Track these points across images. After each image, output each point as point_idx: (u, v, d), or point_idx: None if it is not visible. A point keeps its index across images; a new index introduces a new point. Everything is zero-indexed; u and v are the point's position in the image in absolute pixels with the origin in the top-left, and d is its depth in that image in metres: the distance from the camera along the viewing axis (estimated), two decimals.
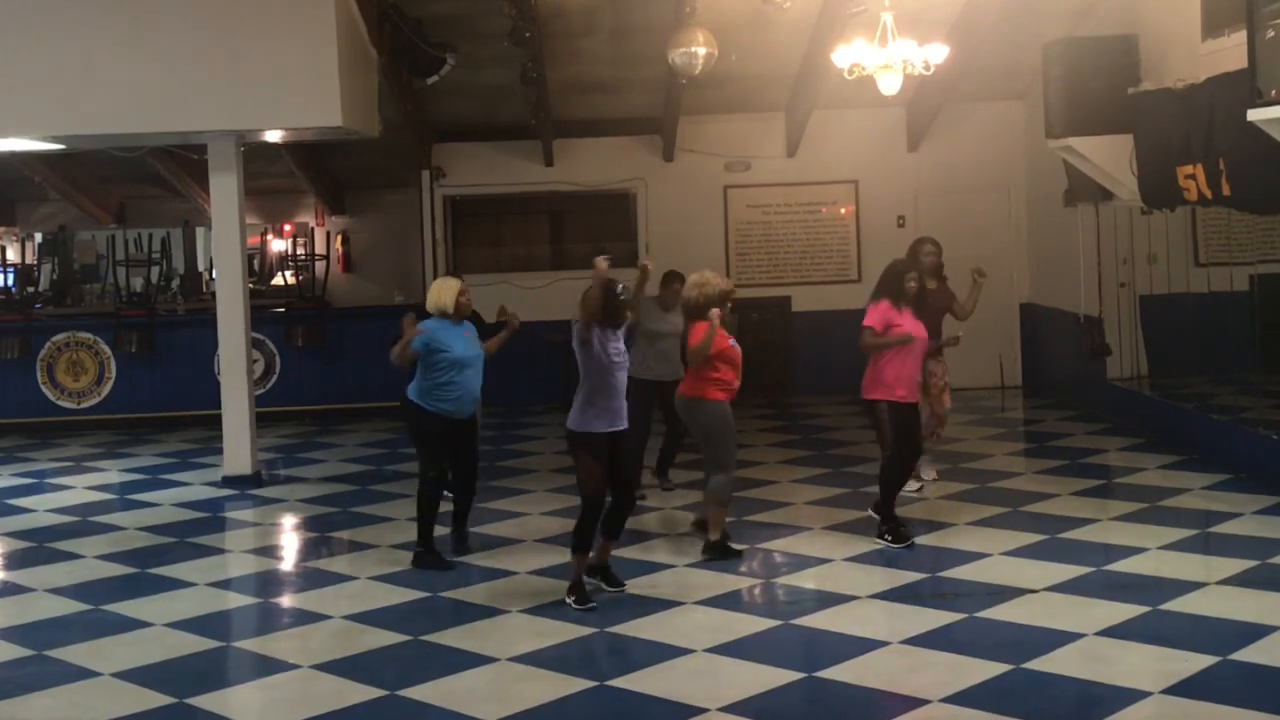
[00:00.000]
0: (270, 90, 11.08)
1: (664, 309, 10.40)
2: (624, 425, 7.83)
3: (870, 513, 9.19)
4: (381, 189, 17.23)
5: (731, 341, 8.66)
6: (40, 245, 18.26)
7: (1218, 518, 9.24)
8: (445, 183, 15.92)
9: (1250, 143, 8.36)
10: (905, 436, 8.95)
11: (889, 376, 8.93)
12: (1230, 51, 9.26)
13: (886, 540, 8.79)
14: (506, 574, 8.46)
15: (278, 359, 15.35)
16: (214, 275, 13.82)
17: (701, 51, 11.78)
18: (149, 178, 16.84)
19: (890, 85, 10.70)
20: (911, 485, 10.02)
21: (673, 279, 10.35)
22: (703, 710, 6.02)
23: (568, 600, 7.65)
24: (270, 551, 9.79)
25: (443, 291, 8.75)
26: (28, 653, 7.25)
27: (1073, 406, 14.04)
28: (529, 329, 14.83)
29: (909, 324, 8.97)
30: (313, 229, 17.75)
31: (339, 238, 17.79)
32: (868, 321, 9.03)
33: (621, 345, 7.89)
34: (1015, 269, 15.63)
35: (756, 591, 8.05)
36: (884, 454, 9.23)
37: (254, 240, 17.43)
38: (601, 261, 7.72)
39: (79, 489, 11.88)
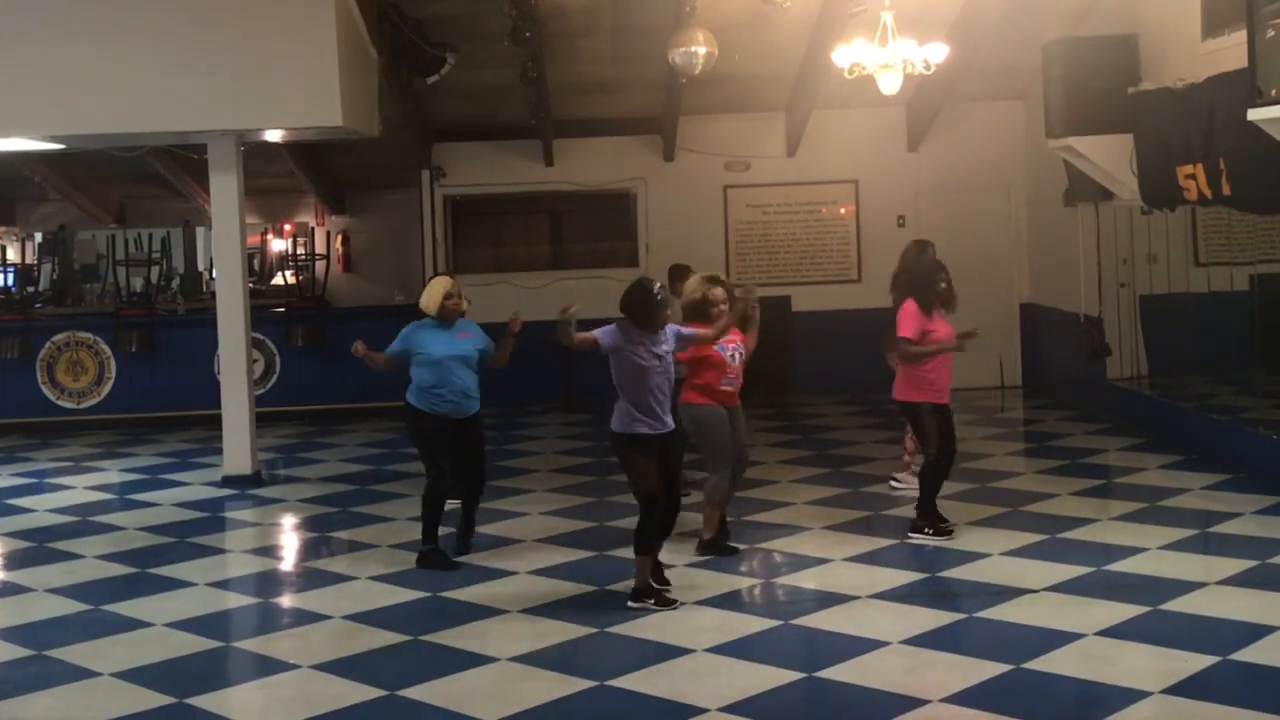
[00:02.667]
0: (270, 90, 11.08)
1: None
2: (668, 428, 7.66)
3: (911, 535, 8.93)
4: (381, 189, 17.23)
5: (723, 349, 8.53)
6: (40, 245, 18.27)
7: (1218, 518, 9.24)
8: (445, 183, 15.92)
9: (1250, 143, 8.36)
10: (948, 436, 8.95)
11: (930, 378, 8.87)
12: (1230, 51, 9.26)
13: (927, 534, 8.81)
14: (506, 574, 8.46)
15: (278, 359, 15.35)
16: (214, 275, 13.84)
17: (701, 51, 11.78)
18: (149, 178, 16.84)
19: (890, 85, 10.71)
20: (905, 483, 10.09)
21: (687, 272, 10.14)
22: (703, 710, 6.02)
23: (634, 604, 7.52)
24: (270, 551, 9.79)
25: (430, 293, 8.81)
26: (28, 653, 7.25)
27: (1073, 406, 14.04)
28: (529, 329, 14.91)
29: (943, 329, 8.89)
30: (313, 229, 17.76)
31: (339, 238, 17.79)
32: (904, 332, 8.86)
33: (664, 348, 7.65)
34: (1015, 269, 15.64)
35: (756, 591, 8.05)
36: (927, 454, 8.98)
37: (254, 240, 17.43)
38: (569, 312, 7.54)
39: (79, 489, 11.88)
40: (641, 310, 7.60)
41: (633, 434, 7.58)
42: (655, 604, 7.55)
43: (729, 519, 9.07)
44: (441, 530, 8.88)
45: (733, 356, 8.61)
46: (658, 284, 7.72)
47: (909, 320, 8.86)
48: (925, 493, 8.99)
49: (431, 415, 8.69)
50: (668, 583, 7.85)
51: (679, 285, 9.98)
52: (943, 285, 8.90)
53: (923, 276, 9.10)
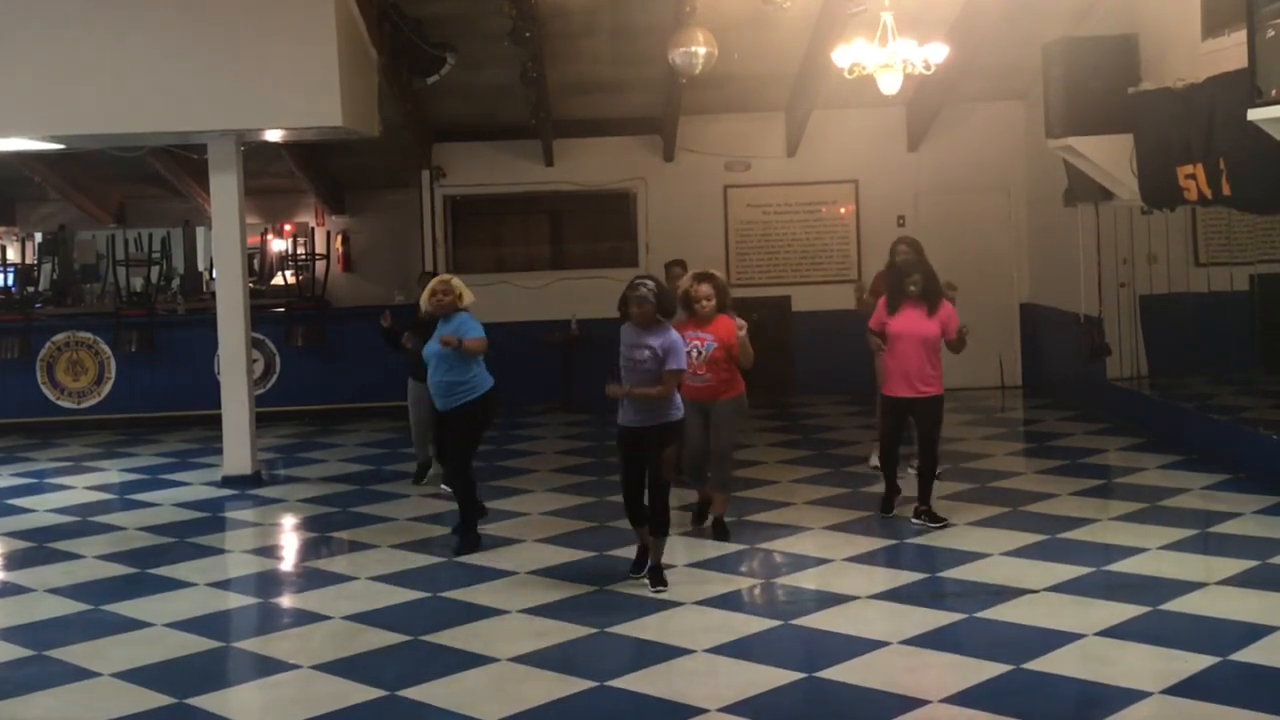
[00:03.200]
0: (270, 90, 11.08)
1: None
2: (645, 423, 7.89)
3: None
4: (381, 189, 17.23)
5: (692, 346, 8.69)
6: (40, 245, 18.27)
7: (1218, 518, 9.24)
8: (445, 183, 15.92)
9: (1250, 143, 8.36)
10: (925, 436, 9.38)
11: (884, 372, 9.43)
12: (1230, 51, 9.26)
13: (922, 520, 9.30)
14: (506, 574, 8.46)
15: (278, 359, 15.35)
16: (214, 275, 13.83)
17: (701, 51, 11.78)
18: (149, 178, 16.84)
19: (890, 85, 10.71)
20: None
21: (675, 266, 10.79)
22: (703, 710, 6.02)
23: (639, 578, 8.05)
24: (270, 551, 9.79)
25: (424, 292, 9.32)
26: (28, 653, 7.25)
27: (1073, 406, 14.04)
28: (529, 329, 14.94)
29: (899, 324, 9.21)
30: (313, 229, 17.76)
31: (339, 238, 17.80)
32: (870, 322, 9.53)
33: (641, 355, 7.85)
34: (1015, 269, 15.63)
35: (756, 591, 8.05)
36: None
37: (254, 240, 17.43)
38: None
39: (79, 489, 11.88)
40: (621, 303, 8.17)
41: (619, 425, 8.05)
42: (631, 571, 8.09)
43: (729, 518, 9.23)
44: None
45: (689, 353, 8.66)
46: (644, 279, 8.11)
47: (875, 313, 9.47)
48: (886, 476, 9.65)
49: (433, 407, 9.29)
50: (662, 585, 7.92)
51: (674, 282, 10.10)
52: (911, 288, 9.21)
53: (892, 276, 9.57)
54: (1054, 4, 12.54)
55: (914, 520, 9.27)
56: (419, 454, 11.47)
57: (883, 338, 9.33)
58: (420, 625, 7.45)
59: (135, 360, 15.22)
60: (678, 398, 8.04)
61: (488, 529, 9.49)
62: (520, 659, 6.83)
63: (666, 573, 8.01)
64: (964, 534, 9.00)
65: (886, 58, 10.33)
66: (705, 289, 8.87)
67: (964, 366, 13.26)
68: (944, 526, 9.12)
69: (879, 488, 10.51)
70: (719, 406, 8.96)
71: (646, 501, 8.00)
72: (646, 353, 7.85)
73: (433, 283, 9.22)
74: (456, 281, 9.19)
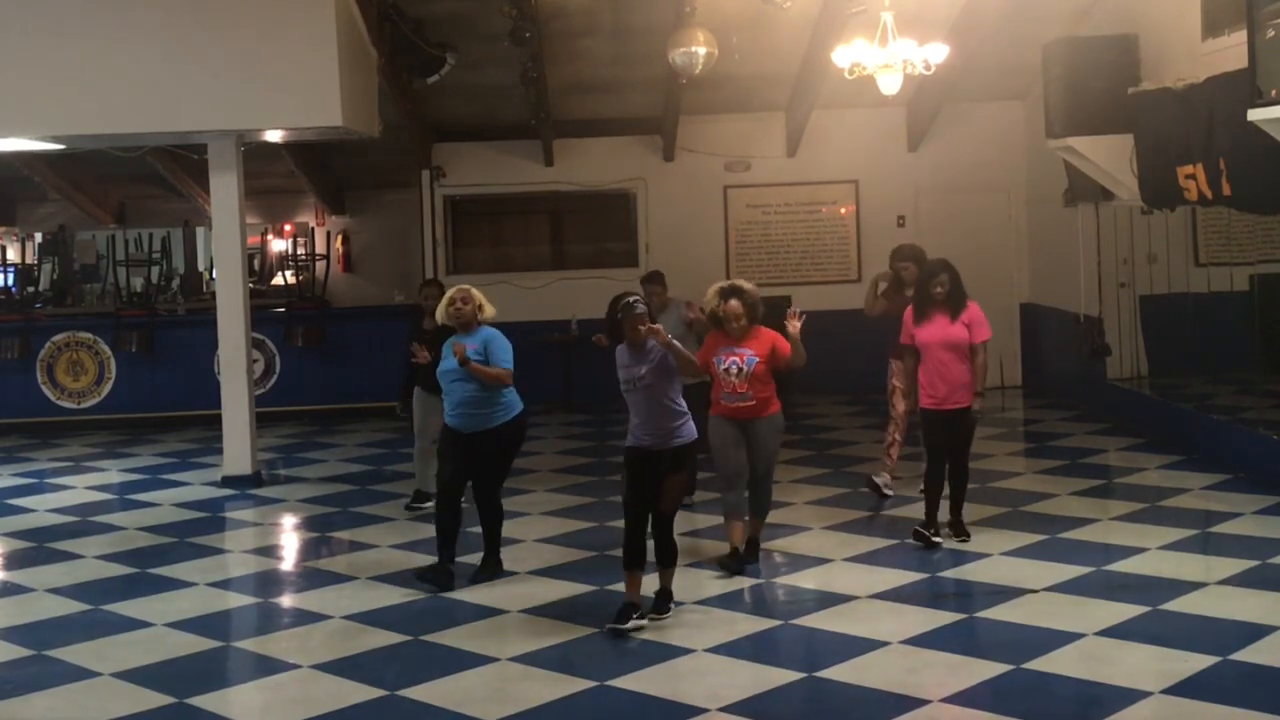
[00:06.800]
0: (270, 90, 11.09)
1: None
2: (659, 447, 7.31)
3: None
4: (381, 189, 17.26)
5: (719, 361, 8.18)
6: (40, 245, 18.29)
7: (1218, 518, 9.24)
8: (445, 183, 15.93)
9: (1250, 143, 8.36)
10: (955, 447, 8.80)
11: (921, 382, 8.88)
12: (1230, 51, 9.27)
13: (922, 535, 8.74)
14: (506, 574, 8.45)
15: (278, 359, 15.35)
16: (214, 275, 13.84)
17: (701, 51, 11.79)
18: (149, 178, 16.86)
19: (890, 85, 10.72)
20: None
21: (653, 284, 10.12)
22: (703, 710, 6.02)
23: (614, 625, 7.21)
24: (270, 551, 9.79)
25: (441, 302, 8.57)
26: (28, 653, 7.25)
27: (1073, 406, 14.04)
28: (531, 329, 14.93)
29: (927, 333, 8.80)
30: (313, 229, 17.78)
31: (339, 238, 17.81)
32: (903, 337, 9.05)
33: (640, 370, 7.30)
34: (1015, 269, 15.64)
35: (757, 591, 8.04)
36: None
37: (254, 240, 17.46)
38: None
39: (79, 489, 11.88)
40: (609, 326, 7.53)
41: (627, 445, 7.50)
42: (614, 623, 7.18)
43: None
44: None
45: (727, 371, 8.17)
46: (633, 297, 7.47)
47: (904, 328, 9.01)
48: (926, 497, 8.93)
49: (447, 426, 8.34)
50: (665, 612, 7.40)
51: (653, 290, 9.91)
52: (938, 289, 8.80)
53: (920, 281, 9.15)
54: (1054, 4, 12.54)
55: (945, 538, 8.78)
56: (421, 478, 10.31)
57: (914, 352, 8.86)
58: (420, 625, 7.44)
59: (135, 360, 15.22)
60: (690, 421, 7.47)
61: None
62: (520, 659, 6.83)
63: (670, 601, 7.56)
64: None
65: (886, 58, 10.33)
66: (735, 306, 8.08)
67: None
68: (964, 541, 8.81)
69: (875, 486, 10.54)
70: (759, 424, 8.25)
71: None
72: (644, 369, 7.33)
73: (452, 291, 8.41)
74: (477, 292, 8.42)
